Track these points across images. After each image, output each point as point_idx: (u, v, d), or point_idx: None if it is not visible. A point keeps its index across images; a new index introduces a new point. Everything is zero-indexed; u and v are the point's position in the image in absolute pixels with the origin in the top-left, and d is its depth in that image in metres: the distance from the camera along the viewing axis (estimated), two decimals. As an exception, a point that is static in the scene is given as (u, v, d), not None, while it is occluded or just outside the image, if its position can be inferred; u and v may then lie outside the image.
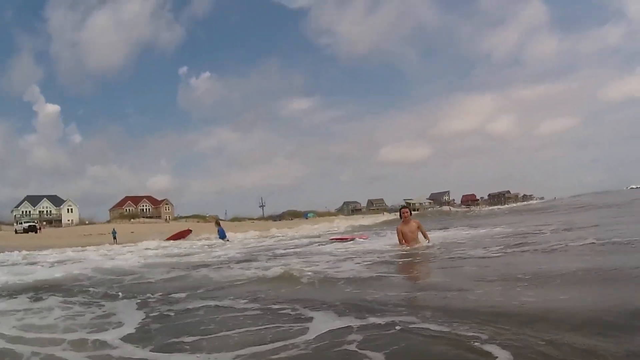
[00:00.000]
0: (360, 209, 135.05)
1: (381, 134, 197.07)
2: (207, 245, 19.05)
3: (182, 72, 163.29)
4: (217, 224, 23.13)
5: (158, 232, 34.09)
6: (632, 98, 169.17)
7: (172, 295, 5.42)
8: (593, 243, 7.21)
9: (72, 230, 64.61)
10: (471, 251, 8.07)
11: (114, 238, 36.49)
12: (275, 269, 6.72)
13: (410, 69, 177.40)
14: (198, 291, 5.64)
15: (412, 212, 10.36)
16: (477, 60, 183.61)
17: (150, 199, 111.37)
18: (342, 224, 45.47)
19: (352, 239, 14.03)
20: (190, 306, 4.65)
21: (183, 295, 5.35)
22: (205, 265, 9.13)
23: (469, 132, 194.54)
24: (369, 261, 7.63)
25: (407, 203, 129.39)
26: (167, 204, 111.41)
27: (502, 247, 8.24)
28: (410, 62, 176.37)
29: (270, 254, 11.30)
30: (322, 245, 13.60)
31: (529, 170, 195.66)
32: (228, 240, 21.29)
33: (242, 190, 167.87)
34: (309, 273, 6.25)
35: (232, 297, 4.94)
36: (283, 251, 12.20)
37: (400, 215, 9.90)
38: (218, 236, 21.81)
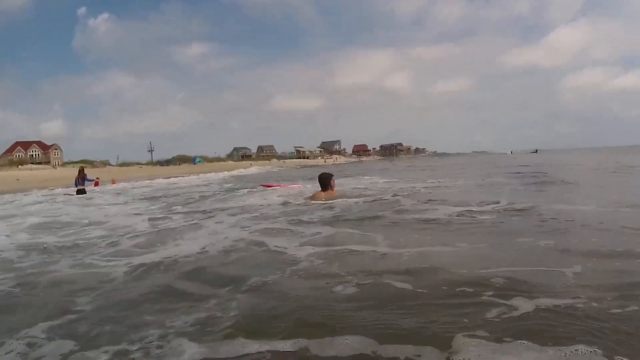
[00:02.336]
0: (251, 155, 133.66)
1: (275, 84, 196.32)
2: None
3: (81, 13, 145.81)
4: (80, 171, 18.50)
5: (42, 180, 31.28)
6: (528, 68, 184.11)
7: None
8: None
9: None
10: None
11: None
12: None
13: (310, 22, 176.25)
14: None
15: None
16: (379, 17, 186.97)
17: (40, 144, 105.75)
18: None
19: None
20: None
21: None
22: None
23: (363, 86, 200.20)
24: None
25: (296, 150, 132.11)
26: (56, 149, 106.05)
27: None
28: (311, 16, 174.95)
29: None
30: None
31: (420, 126, 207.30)
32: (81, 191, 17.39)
33: (134, 136, 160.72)
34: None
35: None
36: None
37: (322, 185, 8.96)
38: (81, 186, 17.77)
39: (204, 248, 4.79)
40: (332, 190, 9.05)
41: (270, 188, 13.07)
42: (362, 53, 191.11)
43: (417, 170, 26.16)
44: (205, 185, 20.36)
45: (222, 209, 8.59)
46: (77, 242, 5.75)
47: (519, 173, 16.23)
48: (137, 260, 4.39)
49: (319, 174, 9.39)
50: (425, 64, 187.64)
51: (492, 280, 3.05)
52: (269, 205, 8.75)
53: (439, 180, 13.91)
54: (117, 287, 3.57)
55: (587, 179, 13.08)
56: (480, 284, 2.98)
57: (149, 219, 7.69)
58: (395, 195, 9.36)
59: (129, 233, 6.25)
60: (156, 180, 28.22)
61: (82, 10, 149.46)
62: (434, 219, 6.00)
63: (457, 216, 6.11)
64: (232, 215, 7.55)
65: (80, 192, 17.17)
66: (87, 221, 7.80)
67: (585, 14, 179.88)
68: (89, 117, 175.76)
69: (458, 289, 2.92)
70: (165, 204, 10.85)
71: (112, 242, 5.62)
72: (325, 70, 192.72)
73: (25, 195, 18.53)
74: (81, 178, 17.86)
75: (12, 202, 14.80)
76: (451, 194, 9.51)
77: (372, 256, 4.08)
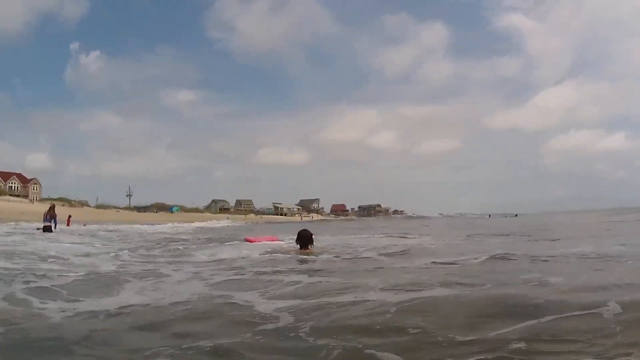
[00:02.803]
0: (229, 209, 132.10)
1: (262, 136, 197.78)
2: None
3: (73, 48, 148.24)
4: (51, 208, 18.00)
5: (17, 213, 31.22)
6: (515, 129, 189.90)
7: None
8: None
9: None
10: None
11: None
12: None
13: (301, 75, 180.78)
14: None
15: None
16: (369, 74, 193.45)
17: (19, 176, 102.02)
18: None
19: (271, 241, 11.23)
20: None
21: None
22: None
23: (349, 142, 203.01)
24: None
25: (274, 206, 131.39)
26: (35, 184, 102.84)
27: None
28: (303, 69, 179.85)
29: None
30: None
31: (403, 186, 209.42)
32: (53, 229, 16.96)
33: (117, 178, 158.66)
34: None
35: None
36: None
37: (301, 242, 8.22)
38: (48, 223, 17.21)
39: (160, 298, 4.13)
40: (310, 249, 8.29)
41: (252, 243, 11.13)
42: (350, 109, 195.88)
43: (389, 228, 25.97)
44: (175, 234, 19.68)
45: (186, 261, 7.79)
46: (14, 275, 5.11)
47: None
48: (77, 305, 3.72)
49: (299, 230, 8.57)
50: (412, 122, 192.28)
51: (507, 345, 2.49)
52: (241, 257, 7.99)
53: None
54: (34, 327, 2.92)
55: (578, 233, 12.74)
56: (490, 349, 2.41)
57: (104, 260, 7.08)
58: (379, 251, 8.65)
59: (75, 272, 5.63)
60: (129, 227, 27.52)
61: (75, 45, 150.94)
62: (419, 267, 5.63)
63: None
64: (197, 265, 6.86)
65: (47, 229, 16.61)
66: (34, 256, 7.31)
67: (573, 76, 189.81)
68: (74, 153, 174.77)
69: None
70: (128, 248, 10.12)
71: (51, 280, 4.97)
72: (313, 124, 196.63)
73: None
74: (50, 215, 17.33)
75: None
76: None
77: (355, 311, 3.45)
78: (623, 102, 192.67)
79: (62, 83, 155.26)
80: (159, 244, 11.94)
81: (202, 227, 31.22)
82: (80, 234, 16.88)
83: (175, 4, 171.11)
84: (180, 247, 10.82)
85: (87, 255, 8.25)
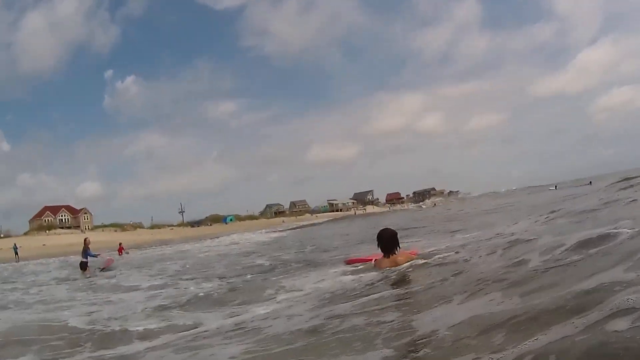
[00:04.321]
0: (284, 211, 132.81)
1: (309, 135, 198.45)
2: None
3: (108, 76, 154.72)
4: (85, 243, 16.37)
5: (67, 245, 31.67)
6: (558, 94, 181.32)
7: None
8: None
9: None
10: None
11: (16, 254, 34.65)
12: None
13: (339, 70, 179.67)
14: None
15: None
16: (407, 59, 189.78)
17: (68, 208, 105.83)
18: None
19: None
20: None
21: None
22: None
23: (396, 130, 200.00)
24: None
25: (329, 203, 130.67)
26: (85, 213, 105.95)
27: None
28: (339, 63, 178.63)
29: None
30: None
31: (455, 166, 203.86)
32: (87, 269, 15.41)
33: (170, 195, 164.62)
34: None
35: None
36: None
37: (383, 246, 6.33)
38: (84, 259, 15.78)
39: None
40: (397, 254, 6.34)
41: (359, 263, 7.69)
42: (393, 96, 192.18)
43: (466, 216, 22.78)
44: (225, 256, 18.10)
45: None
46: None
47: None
48: None
49: (380, 230, 6.57)
50: (456, 101, 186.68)
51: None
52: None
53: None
54: None
55: None
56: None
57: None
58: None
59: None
60: (178, 248, 26.93)
61: (109, 73, 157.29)
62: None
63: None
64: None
65: (83, 266, 15.47)
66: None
67: (606, 33, 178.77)
68: (123, 177, 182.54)
69: None
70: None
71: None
72: (358, 117, 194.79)
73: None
74: (84, 251, 15.98)
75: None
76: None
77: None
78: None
79: (101, 111, 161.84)
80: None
81: (267, 241, 26.14)
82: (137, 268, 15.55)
83: (204, 16, 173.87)
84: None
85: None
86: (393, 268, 5.99)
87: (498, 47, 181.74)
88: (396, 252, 6.32)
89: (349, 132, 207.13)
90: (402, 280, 5.23)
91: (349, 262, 7.91)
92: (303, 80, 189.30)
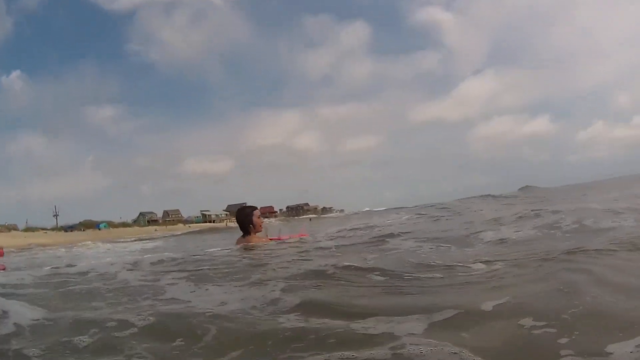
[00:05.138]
0: (157, 220, 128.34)
1: (185, 147, 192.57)
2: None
3: None
4: None
5: None
6: (438, 121, 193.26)
7: None
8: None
9: None
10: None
11: None
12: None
13: (221, 84, 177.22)
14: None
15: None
16: (289, 78, 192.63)
17: None
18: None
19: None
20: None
21: None
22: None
23: (273, 146, 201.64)
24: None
25: (202, 214, 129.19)
26: None
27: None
28: (223, 77, 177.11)
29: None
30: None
31: (329, 185, 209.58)
32: None
33: (45, 199, 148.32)
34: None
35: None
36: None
37: (240, 226, 6.49)
38: None
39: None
40: (254, 233, 6.47)
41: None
42: (272, 113, 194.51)
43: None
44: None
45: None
46: None
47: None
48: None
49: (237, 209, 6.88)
50: (334, 122, 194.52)
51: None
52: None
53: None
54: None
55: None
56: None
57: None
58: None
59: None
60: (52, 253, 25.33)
61: None
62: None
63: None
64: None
65: None
66: None
67: (491, 65, 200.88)
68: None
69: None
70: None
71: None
72: (236, 132, 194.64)
73: None
74: None
75: None
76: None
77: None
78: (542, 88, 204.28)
79: None
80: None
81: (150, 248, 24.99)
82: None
83: (94, 18, 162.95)
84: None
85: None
86: (243, 245, 6.24)
87: (381, 72, 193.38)
88: (252, 233, 6.42)
89: (225, 145, 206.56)
90: (232, 255, 5.58)
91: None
92: (184, 91, 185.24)
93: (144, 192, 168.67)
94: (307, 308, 2.67)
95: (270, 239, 6.84)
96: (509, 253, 4.16)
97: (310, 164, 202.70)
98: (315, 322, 2.37)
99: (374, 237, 6.97)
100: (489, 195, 22.34)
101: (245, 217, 6.40)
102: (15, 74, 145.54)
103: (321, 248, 5.87)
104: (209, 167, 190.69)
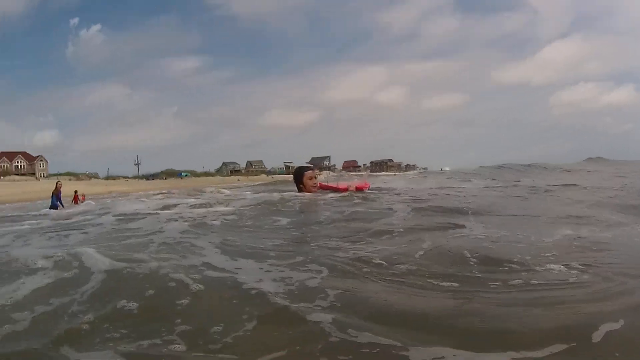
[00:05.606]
0: (240, 170, 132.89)
1: (267, 98, 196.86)
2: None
3: (73, 24, 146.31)
4: (57, 187, 16.53)
5: (22, 192, 30.30)
6: (521, 83, 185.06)
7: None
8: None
9: None
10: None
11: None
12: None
13: (303, 37, 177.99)
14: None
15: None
16: (372, 32, 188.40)
17: (25, 155, 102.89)
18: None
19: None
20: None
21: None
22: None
23: (357, 100, 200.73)
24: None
25: (285, 166, 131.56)
26: (42, 160, 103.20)
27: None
28: (304, 30, 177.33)
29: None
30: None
31: (412, 141, 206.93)
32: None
33: (126, 149, 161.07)
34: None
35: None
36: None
37: (297, 183, 7.20)
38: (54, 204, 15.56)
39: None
40: (307, 192, 7.14)
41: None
42: (355, 67, 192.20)
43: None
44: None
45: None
46: None
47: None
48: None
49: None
50: (418, 79, 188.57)
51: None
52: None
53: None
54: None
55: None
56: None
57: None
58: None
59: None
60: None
61: (74, 20, 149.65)
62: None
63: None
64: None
65: (53, 208, 14.22)
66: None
67: (578, 30, 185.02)
68: (81, 128, 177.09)
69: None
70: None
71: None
72: (318, 84, 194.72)
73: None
74: (56, 194, 15.94)
75: None
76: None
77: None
78: (631, 55, 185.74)
79: (63, 59, 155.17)
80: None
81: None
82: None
83: None
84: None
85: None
86: (298, 194, 6.96)
87: (466, 30, 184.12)
88: (304, 188, 7.14)
89: (308, 98, 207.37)
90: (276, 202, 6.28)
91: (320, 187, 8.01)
92: (266, 43, 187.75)
93: (225, 142, 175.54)
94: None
95: (323, 187, 7.47)
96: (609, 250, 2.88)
97: (394, 120, 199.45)
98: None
99: (439, 208, 5.43)
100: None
101: (296, 177, 7.20)
102: (96, 27, 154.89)
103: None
104: (293, 119, 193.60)
